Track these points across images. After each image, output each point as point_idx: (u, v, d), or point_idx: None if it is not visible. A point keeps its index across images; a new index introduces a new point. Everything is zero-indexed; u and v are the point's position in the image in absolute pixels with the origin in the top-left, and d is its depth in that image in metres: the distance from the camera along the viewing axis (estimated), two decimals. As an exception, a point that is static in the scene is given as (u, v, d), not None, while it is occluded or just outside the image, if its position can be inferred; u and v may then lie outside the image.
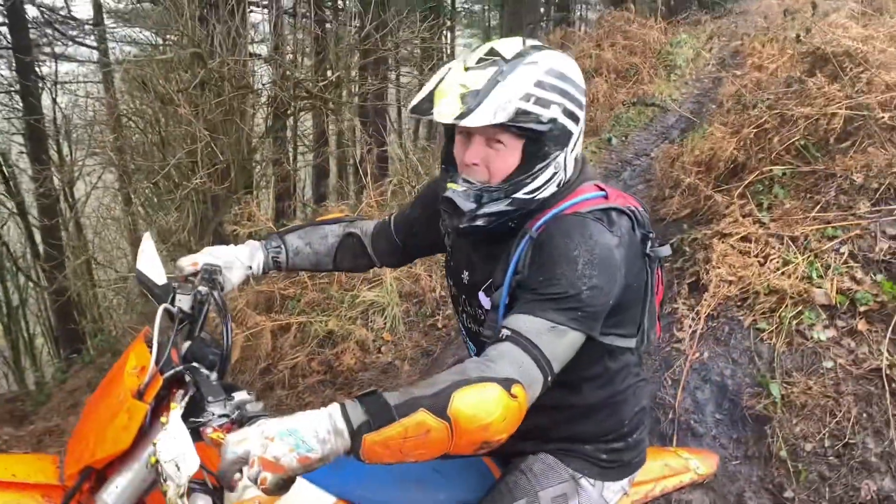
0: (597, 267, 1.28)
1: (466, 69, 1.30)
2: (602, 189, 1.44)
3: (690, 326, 3.09)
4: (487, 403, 1.09)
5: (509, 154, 1.34)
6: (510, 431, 1.14)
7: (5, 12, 11.08)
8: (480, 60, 1.31)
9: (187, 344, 1.39)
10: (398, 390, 1.12)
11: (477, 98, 1.26)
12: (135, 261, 1.60)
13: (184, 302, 1.45)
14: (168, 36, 4.99)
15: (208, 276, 1.54)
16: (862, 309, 2.93)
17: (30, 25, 11.63)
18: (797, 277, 3.08)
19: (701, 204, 3.76)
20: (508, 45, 1.35)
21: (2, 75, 12.51)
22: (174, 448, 1.05)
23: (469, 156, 1.35)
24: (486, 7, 22.07)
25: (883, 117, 3.51)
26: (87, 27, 12.60)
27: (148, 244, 1.54)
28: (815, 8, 5.37)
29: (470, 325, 1.59)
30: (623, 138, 6.66)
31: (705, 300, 3.10)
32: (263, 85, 5.32)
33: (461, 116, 1.25)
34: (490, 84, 1.27)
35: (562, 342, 1.25)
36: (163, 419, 1.13)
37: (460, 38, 22.67)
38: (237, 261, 1.64)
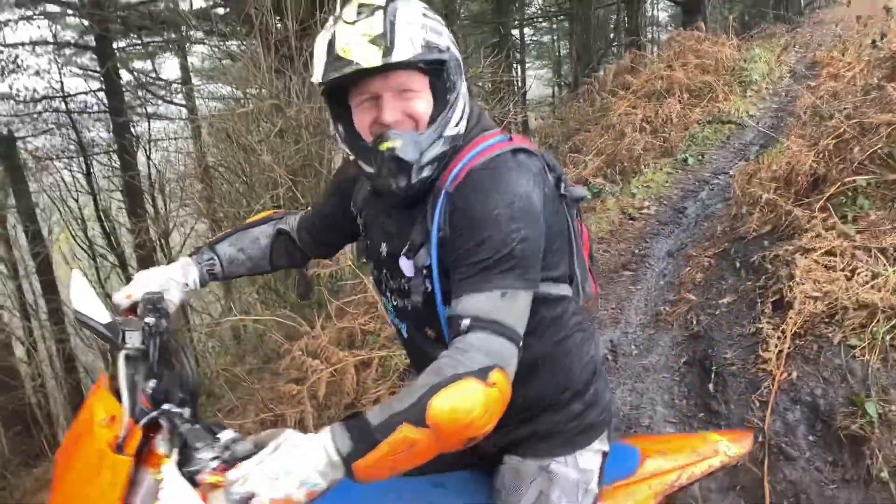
0: (521, 219, 1.26)
1: (353, 23, 1.27)
2: (505, 133, 1.44)
3: (777, 346, 3.00)
4: (465, 401, 1.09)
5: (423, 97, 1.33)
6: (496, 419, 1.14)
7: (102, 78, 11.92)
8: (360, 12, 1.28)
9: (151, 384, 1.28)
10: (380, 406, 1.13)
11: (387, 38, 1.24)
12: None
13: (134, 339, 1.36)
14: (248, 90, 5.27)
15: (151, 305, 1.48)
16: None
17: (124, 89, 12.48)
18: (888, 290, 2.95)
19: (781, 220, 3.66)
20: None
21: (101, 137, 13.43)
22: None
23: (388, 115, 1.30)
24: (555, 37, 22.20)
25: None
26: (175, 86, 13.42)
27: (79, 280, 1.43)
28: (888, 12, 5.17)
29: (397, 303, 1.50)
30: (699, 157, 6.55)
31: (791, 318, 3.01)
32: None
33: (387, 54, 1.23)
34: (388, 25, 1.25)
35: (517, 304, 1.25)
36: (154, 473, 1.13)
37: (531, 69, 22.85)
38: (172, 281, 1.60)
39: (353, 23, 1.26)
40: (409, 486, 1.53)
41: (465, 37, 15.30)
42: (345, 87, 1.35)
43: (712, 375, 3.14)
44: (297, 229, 1.80)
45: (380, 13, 1.26)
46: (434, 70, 1.32)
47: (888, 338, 2.85)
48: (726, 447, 1.89)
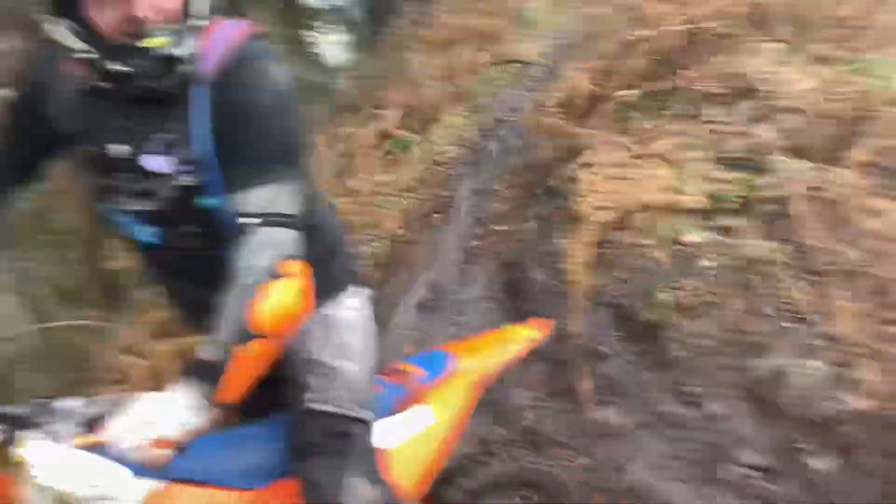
0: (290, 109, 1.30)
1: None
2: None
3: (579, 258, 3.19)
4: (278, 302, 1.19)
5: None
6: (308, 298, 1.27)
7: None
8: None
9: None
10: (209, 340, 1.17)
11: None
12: None
13: None
14: None
15: None
16: (727, 206, 3.11)
17: None
18: (665, 190, 3.23)
19: (568, 142, 3.88)
20: None
21: None
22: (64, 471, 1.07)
23: (141, 9, 1.15)
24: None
25: (714, 27, 3.72)
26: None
27: None
28: None
29: (138, 207, 1.36)
30: (493, 97, 6.75)
31: (584, 229, 3.21)
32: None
33: None
34: None
35: (294, 194, 1.28)
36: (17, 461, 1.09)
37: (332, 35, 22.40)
38: None
39: None
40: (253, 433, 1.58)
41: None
42: None
43: (528, 297, 3.31)
44: None
45: None
46: None
47: (671, 233, 3.13)
48: (529, 334, 2.11)
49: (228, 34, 1.30)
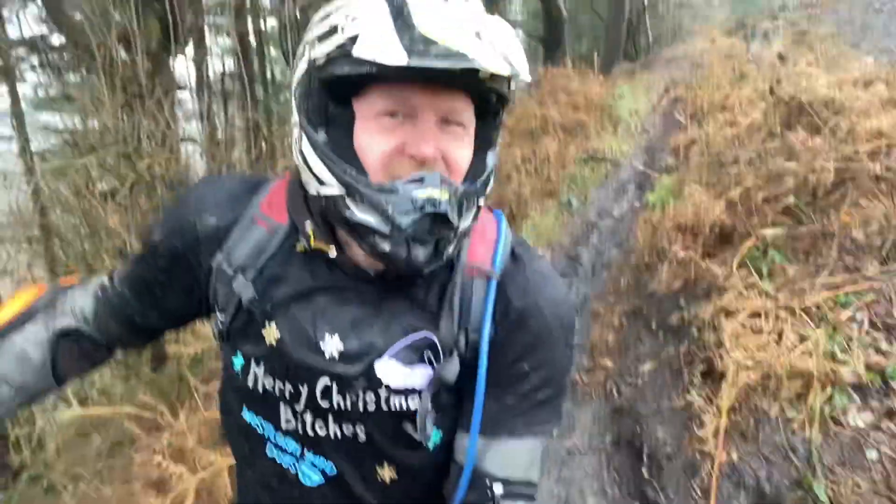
0: (573, 337, 0.99)
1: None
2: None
3: (712, 422, 2.74)
4: None
5: (468, 141, 0.89)
6: None
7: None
8: None
9: None
10: None
11: (499, 44, 0.79)
12: None
13: None
14: (90, 122, 4.46)
15: None
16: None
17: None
18: (819, 355, 2.77)
19: (694, 275, 3.46)
20: None
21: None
22: None
23: (427, 147, 0.83)
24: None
25: (872, 168, 3.31)
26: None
27: None
28: (782, 60, 5.28)
29: (324, 431, 0.97)
30: (582, 199, 6.43)
31: (725, 391, 2.76)
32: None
33: (510, 64, 0.79)
34: (494, 26, 0.82)
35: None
36: None
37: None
38: None
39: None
40: None
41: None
42: (353, 81, 0.83)
43: (644, 458, 2.84)
44: (95, 315, 1.13)
45: (477, 3, 0.83)
46: (493, 108, 0.90)
47: (826, 409, 2.66)
48: None
49: (500, 221, 0.99)
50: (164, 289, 1.05)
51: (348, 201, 0.83)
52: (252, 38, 8.27)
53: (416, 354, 0.92)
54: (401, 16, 0.78)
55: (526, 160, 6.98)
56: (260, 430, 1.00)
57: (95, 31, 4.35)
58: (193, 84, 6.67)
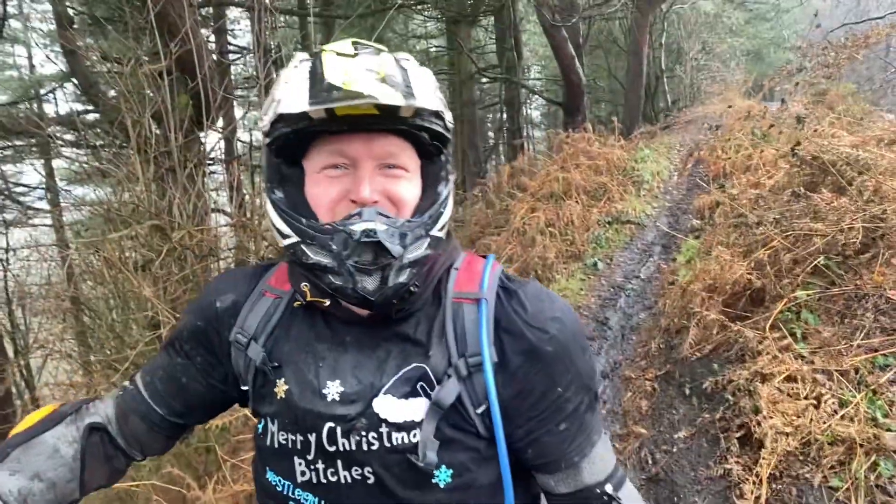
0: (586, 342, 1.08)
1: (353, 55, 0.93)
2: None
3: (752, 492, 2.65)
4: None
5: (412, 181, 0.99)
6: None
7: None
8: (357, 47, 0.95)
9: None
10: None
11: (402, 81, 0.91)
12: None
13: None
14: (124, 195, 4.59)
15: None
16: (943, 450, 2.55)
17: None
18: (860, 420, 2.70)
19: (724, 337, 3.41)
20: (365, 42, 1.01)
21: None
22: None
23: (367, 190, 0.93)
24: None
25: (901, 228, 3.28)
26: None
27: None
28: (801, 122, 5.31)
29: (335, 476, 0.98)
30: (608, 261, 6.41)
31: (764, 458, 2.68)
32: (230, 250, 4.96)
33: (409, 96, 0.89)
34: (401, 69, 0.93)
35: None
36: None
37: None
38: None
39: (354, 55, 0.93)
40: None
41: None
42: (298, 143, 0.97)
43: (683, 530, 2.74)
44: (118, 416, 1.17)
45: (388, 56, 0.95)
46: (432, 148, 1.00)
47: (871, 476, 2.56)
48: None
49: (487, 263, 1.07)
50: (186, 371, 1.14)
51: (303, 247, 0.94)
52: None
53: (410, 387, 0.96)
54: (315, 74, 0.91)
55: (550, 223, 6.99)
56: (279, 488, 1.03)
57: (131, 109, 4.50)
58: (223, 156, 6.85)
